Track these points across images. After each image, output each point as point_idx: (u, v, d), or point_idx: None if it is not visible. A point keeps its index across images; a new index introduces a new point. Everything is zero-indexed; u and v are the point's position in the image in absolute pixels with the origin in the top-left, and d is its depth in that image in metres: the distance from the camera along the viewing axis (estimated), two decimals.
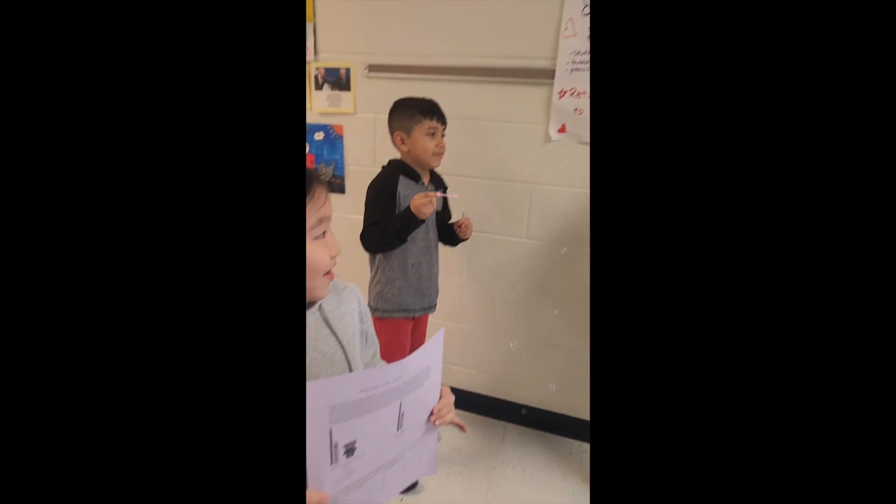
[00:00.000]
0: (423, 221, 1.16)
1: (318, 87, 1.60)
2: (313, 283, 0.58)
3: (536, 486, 1.44)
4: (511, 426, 1.70)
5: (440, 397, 0.64)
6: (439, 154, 1.23)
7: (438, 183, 1.34)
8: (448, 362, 1.72)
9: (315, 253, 0.56)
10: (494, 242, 1.55)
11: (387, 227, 1.16)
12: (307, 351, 0.60)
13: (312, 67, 1.58)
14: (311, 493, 0.52)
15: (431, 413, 0.62)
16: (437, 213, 1.30)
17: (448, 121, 1.52)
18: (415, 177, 1.25)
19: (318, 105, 1.61)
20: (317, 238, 0.57)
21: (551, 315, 1.55)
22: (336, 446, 0.52)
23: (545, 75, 1.33)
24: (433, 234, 1.30)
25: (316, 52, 1.57)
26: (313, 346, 0.61)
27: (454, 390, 0.66)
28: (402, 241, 1.20)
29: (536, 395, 1.66)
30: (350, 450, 0.54)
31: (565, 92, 1.32)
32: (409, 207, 1.14)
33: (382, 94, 1.52)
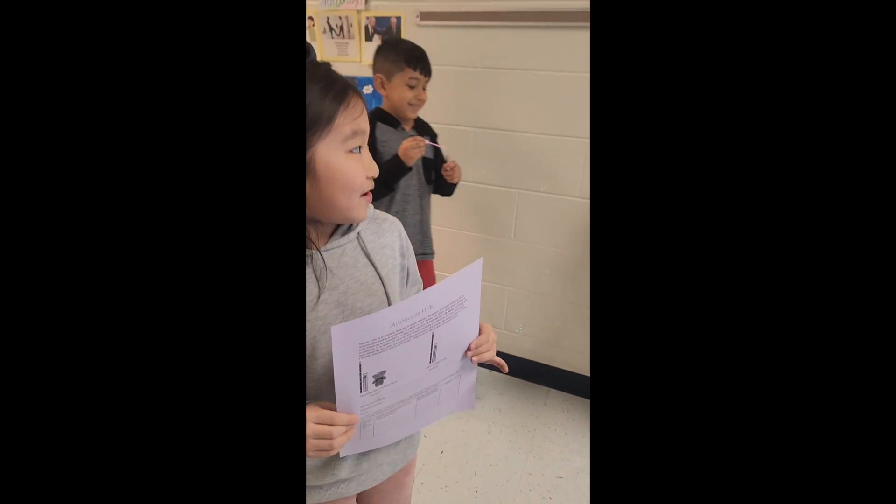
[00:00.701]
0: (410, 168, 1.12)
1: (369, 37, 1.57)
2: (349, 203, 0.54)
3: (578, 450, 1.41)
4: (554, 392, 1.66)
5: (479, 333, 0.60)
6: (416, 105, 1.20)
7: (425, 130, 1.28)
8: (492, 324, 1.70)
9: (349, 168, 0.53)
10: (544, 201, 1.49)
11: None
12: (344, 279, 0.58)
13: (363, 17, 1.55)
14: (341, 415, 0.52)
15: (469, 349, 0.59)
16: (427, 162, 1.26)
17: (502, 72, 1.45)
18: (393, 123, 1.21)
19: (369, 57, 1.58)
20: (351, 152, 0.53)
21: None
22: (365, 377, 0.51)
23: (584, 18, 1.23)
24: (417, 180, 1.26)
25: (367, 1, 1.53)
26: (351, 273, 0.58)
27: (498, 355, 0.62)
28: (391, 189, 1.17)
29: (581, 361, 1.61)
30: (379, 379, 0.52)
31: None
32: (396, 154, 1.11)
33: (435, 43, 1.47)
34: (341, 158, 0.52)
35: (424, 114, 1.28)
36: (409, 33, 1.50)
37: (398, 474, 0.71)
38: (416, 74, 1.16)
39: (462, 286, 0.55)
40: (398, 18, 1.50)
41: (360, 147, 0.54)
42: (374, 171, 0.56)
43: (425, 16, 1.46)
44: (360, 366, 0.50)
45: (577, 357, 1.61)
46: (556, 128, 1.41)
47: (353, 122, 0.52)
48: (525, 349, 1.68)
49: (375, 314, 0.48)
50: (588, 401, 1.61)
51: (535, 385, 1.69)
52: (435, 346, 0.55)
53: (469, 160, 1.54)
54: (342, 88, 0.52)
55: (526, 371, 1.69)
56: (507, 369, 0.65)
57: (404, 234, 0.67)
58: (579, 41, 1.30)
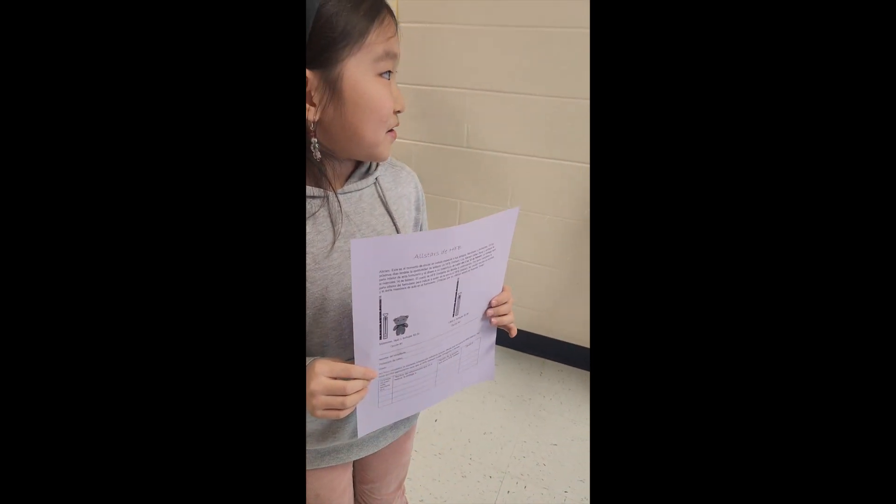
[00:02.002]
0: None
1: None
2: (375, 136, 0.49)
3: (573, 418, 1.41)
4: (550, 362, 1.66)
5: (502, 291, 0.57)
6: None
7: None
8: None
9: (377, 93, 0.47)
10: (545, 167, 1.44)
11: None
12: (361, 227, 0.53)
13: None
14: (357, 368, 0.48)
15: (489, 307, 0.56)
16: None
17: (504, 30, 1.39)
18: None
19: None
20: (381, 75, 0.48)
21: None
22: (385, 319, 0.47)
23: None
24: None
25: None
26: (367, 221, 0.54)
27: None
28: None
29: (577, 332, 1.60)
30: (401, 325, 0.49)
31: None
32: None
33: (429, 1, 1.40)
34: (371, 81, 0.47)
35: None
36: None
37: (400, 438, 0.69)
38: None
39: (494, 232, 0.51)
40: None
41: (389, 73, 0.49)
42: (402, 104, 0.51)
43: None
44: (380, 302, 0.46)
45: (573, 328, 1.60)
46: (562, 89, 1.35)
47: (386, 41, 0.47)
48: (522, 321, 1.66)
49: (399, 236, 0.43)
50: (585, 371, 1.61)
51: (532, 356, 1.68)
52: (459, 296, 0.51)
53: (465, 123, 1.48)
54: (376, 3, 0.47)
55: (522, 342, 1.68)
56: (514, 333, 0.61)
57: (420, 186, 0.63)
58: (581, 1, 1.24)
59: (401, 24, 1.43)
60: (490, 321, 0.57)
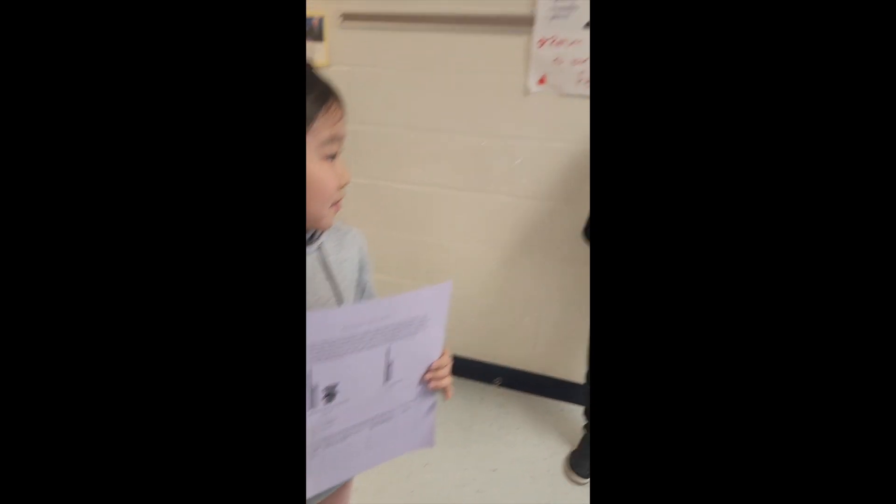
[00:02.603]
0: None
1: None
2: (319, 211, 0.52)
3: (511, 442, 1.45)
4: (489, 388, 1.70)
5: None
6: None
7: None
8: None
9: (323, 175, 0.51)
10: (475, 200, 1.52)
11: None
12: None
13: None
14: None
15: (427, 371, 0.57)
16: None
17: (427, 73, 1.46)
18: None
19: None
20: (326, 158, 0.51)
21: (533, 275, 1.54)
22: (315, 389, 0.49)
23: (525, 23, 1.28)
24: None
25: None
26: (308, 288, 0.56)
27: None
28: None
29: (515, 356, 1.66)
30: (330, 394, 0.50)
31: (545, 41, 1.27)
32: None
33: (358, 44, 1.46)
34: (316, 164, 0.51)
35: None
36: (332, 34, 1.48)
37: (337, 490, 0.68)
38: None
39: (425, 304, 0.53)
40: (320, 19, 1.47)
41: (335, 154, 0.53)
42: (347, 178, 0.54)
43: (348, 17, 1.44)
44: (309, 374, 0.47)
45: (510, 352, 1.66)
46: (482, 128, 1.44)
47: (332, 126, 0.51)
48: (458, 346, 1.70)
49: (327, 311, 0.45)
50: (526, 395, 1.66)
51: (472, 381, 1.72)
52: (391, 363, 0.53)
53: (398, 161, 1.54)
54: (324, 91, 0.50)
55: (462, 369, 1.72)
56: (450, 396, 0.61)
57: (365, 247, 0.65)
58: (500, 45, 1.34)
59: (332, 67, 1.48)
60: (428, 386, 0.58)
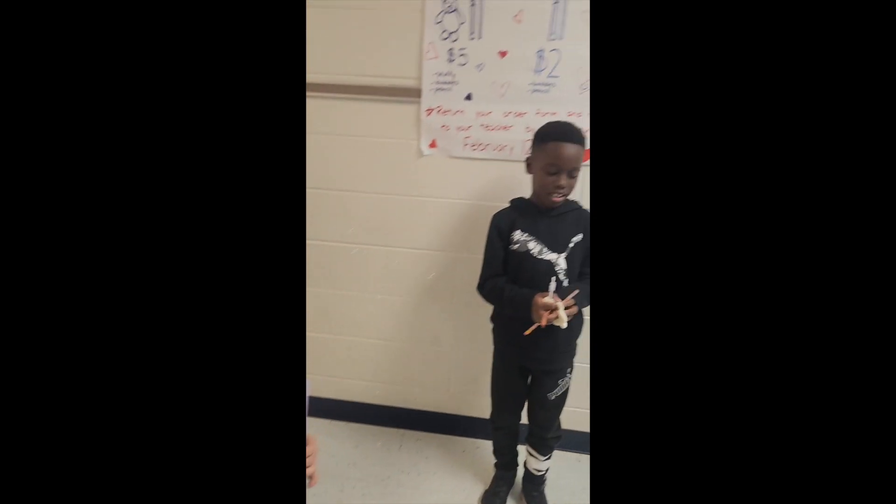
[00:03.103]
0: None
1: None
2: None
3: (429, 489, 1.48)
4: (409, 433, 1.73)
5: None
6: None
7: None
8: (344, 376, 1.72)
9: None
10: (381, 254, 1.59)
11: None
12: None
13: None
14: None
15: None
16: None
17: (333, 137, 1.53)
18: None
19: None
20: None
21: (440, 319, 1.62)
22: None
23: (414, 94, 1.41)
24: None
25: None
26: None
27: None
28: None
29: (432, 399, 1.71)
30: None
31: (432, 110, 1.41)
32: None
33: None
34: None
35: None
36: None
37: None
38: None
39: None
40: None
41: None
42: None
43: None
44: None
45: (425, 396, 1.71)
46: (385, 186, 1.53)
47: None
48: (376, 395, 1.73)
49: None
50: (443, 436, 1.71)
51: (391, 429, 1.74)
52: None
53: (309, 220, 1.58)
54: None
55: (377, 416, 1.74)
56: (314, 484, 0.63)
57: None
58: (394, 112, 1.45)
59: None
60: None
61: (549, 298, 1.05)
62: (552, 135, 1.12)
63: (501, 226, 1.21)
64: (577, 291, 1.09)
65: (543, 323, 1.04)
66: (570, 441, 1.58)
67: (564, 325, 1.04)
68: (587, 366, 1.50)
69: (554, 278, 1.10)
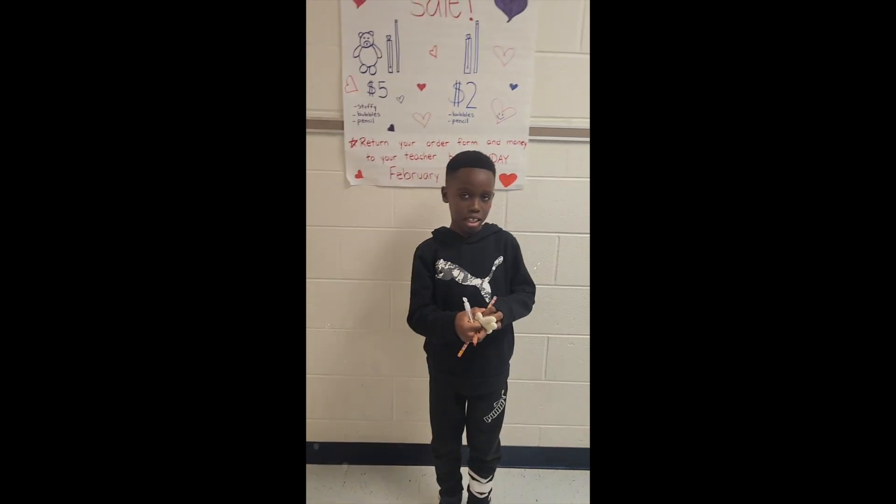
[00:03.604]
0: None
1: None
2: None
3: None
4: (354, 467, 1.69)
5: None
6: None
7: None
8: None
9: None
10: (313, 286, 1.56)
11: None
12: None
13: None
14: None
15: None
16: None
17: None
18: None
19: None
20: None
21: (375, 350, 1.61)
22: None
23: (337, 126, 1.42)
24: None
25: None
26: None
27: None
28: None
29: (375, 430, 1.68)
30: None
31: (356, 141, 1.42)
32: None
33: None
34: None
35: None
36: None
37: None
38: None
39: None
40: None
41: None
42: None
43: None
44: None
45: (369, 428, 1.68)
46: (315, 218, 1.52)
47: None
48: (317, 433, 1.68)
49: None
50: (387, 467, 1.68)
51: (334, 466, 1.69)
52: None
53: None
54: None
55: (323, 455, 1.68)
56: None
57: None
58: (321, 144, 1.45)
59: None
60: None
61: (469, 316, 1.07)
62: (462, 162, 1.17)
63: (425, 256, 1.23)
64: (495, 299, 1.13)
65: (475, 341, 1.06)
66: (513, 457, 1.60)
67: (493, 327, 1.07)
68: (518, 381, 1.54)
69: (465, 299, 1.12)
